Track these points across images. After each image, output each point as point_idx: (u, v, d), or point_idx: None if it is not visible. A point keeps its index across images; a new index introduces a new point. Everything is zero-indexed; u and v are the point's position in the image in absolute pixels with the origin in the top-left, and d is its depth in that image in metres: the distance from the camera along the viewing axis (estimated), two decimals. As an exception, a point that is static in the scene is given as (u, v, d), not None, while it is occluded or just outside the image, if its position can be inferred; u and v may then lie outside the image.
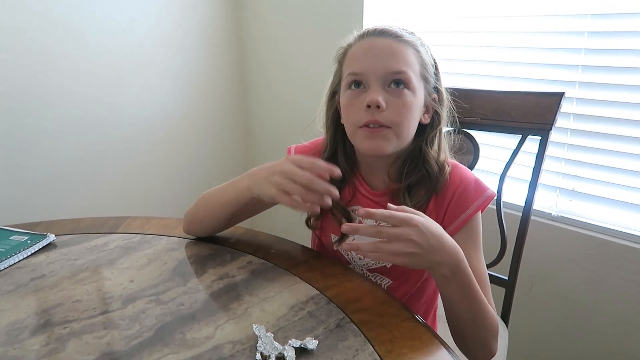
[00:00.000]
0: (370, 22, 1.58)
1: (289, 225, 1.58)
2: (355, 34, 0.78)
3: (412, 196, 0.77)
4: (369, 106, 0.71)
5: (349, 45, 0.78)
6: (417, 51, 0.75)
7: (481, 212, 0.77)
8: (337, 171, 0.68)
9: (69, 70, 1.54)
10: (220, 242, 0.85)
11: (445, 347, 0.59)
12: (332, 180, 0.83)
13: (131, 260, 0.79)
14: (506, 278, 1.03)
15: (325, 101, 0.84)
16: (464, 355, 0.72)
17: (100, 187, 1.69)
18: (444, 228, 0.76)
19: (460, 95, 1.03)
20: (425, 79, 0.76)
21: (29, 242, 0.83)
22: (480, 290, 0.66)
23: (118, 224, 0.92)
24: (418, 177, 0.77)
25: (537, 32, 1.27)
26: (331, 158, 0.83)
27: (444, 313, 0.70)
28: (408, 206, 0.74)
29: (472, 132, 1.05)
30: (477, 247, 0.76)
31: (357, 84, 0.74)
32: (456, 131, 0.88)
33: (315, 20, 1.74)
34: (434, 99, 0.79)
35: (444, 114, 0.80)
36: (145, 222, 0.93)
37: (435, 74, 0.79)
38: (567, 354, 1.34)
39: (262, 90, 2.03)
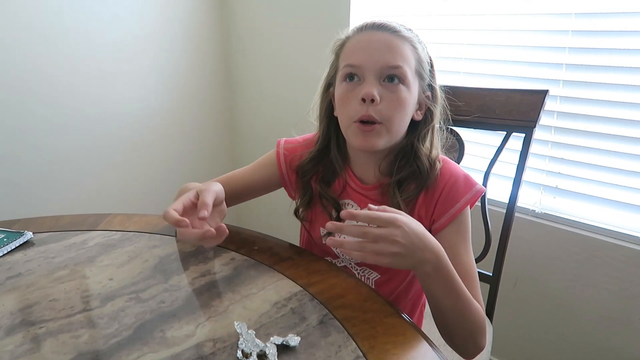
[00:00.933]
0: (356, 16, 1.58)
1: (276, 221, 1.57)
2: (354, 26, 0.78)
3: (402, 191, 0.77)
4: (363, 100, 0.71)
5: (347, 38, 0.78)
6: (414, 47, 0.75)
7: (470, 207, 0.77)
8: (201, 213, 0.65)
9: (49, 66, 1.50)
10: (203, 239, 0.84)
11: (429, 343, 0.59)
12: (325, 173, 0.83)
13: (111, 257, 0.77)
14: (491, 274, 1.03)
15: (320, 93, 0.84)
16: (448, 351, 0.72)
17: (81, 185, 1.66)
18: (433, 222, 0.76)
19: (446, 92, 1.03)
20: (420, 76, 0.77)
21: (5, 240, 0.81)
22: (464, 287, 0.66)
23: (98, 221, 0.90)
24: (409, 172, 0.77)
25: (522, 30, 1.28)
26: (324, 150, 0.83)
27: (430, 311, 0.70)
28: (398, 200, 0.75)
29: (458, 129, 1.05)
30: (466, 241, 0.76)
31: (353, 76, 0.74)
32: (446, 129, 0.88)
33: (302, 14, 1.73)
34: (427, 97, 0.79)
35: (438, 111, 0.80)
36: (126, 219, 0.91)
37: (430, 71, 0.79)
38: (550, 349, 1.36)
39: (248, 85, 2.02)
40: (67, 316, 0.62)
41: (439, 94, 0.80)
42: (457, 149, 1.03)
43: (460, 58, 1.40)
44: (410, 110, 0.76)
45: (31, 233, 0.83)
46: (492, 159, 1.03)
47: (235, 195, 0.87)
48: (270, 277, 0.72)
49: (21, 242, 0.81)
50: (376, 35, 0.74)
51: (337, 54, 0.79)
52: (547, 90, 0.95)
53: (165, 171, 1.91)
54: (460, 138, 1.04)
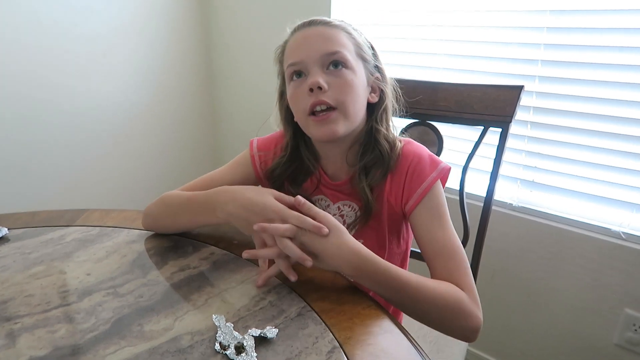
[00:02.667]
0: (337, 9, 1.59)
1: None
2: (288, 30, 0.81)
3: (368, 178, 0.79)
4: (311, 90, 0.73)
5: (285, 42, 0.81)
6: (349, 33, 0.78)
7: (443, 185, 0.79)
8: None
9: (21, 59, 1.47)
10: (182, 234, 0.84)
11: (405, 334, 0.60)
12: (297, 172, 0.84)
13: (89, 253, 0.76)
14: (468, 266, 1.05)
15: (277, 103, 0.86)
16: (427, 342, 0.73)
17: (58, 180, 1.64)
18: (404, 203, 0.78)
19: (425, 88, 1.04)
20: (363, 59, 0.78)
21: (-21, 236, 0.79)
22: (405, 280, 0.65)
23: (76, 216, 0.89)
24: (372, 157, 0.79)
25: (498, 27, 1.30)
26: (293, 153, 0.84)
27: None
28: (363, 185, 0.77)
29: (436, 124, 1.06)
30: (440, 218, 0.75)
31: (298, 73, 0.76)
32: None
33: (283, 7, 1.72)
34: (377, 78, 0.81)
35: (389, 90, 0.82)
36: (104, 214, 0.91)
37: (373, 54, 0.81)
38: (525, 338, 1.39)
39: (229, 78, 2.00)
40: (43, 311, 0.61)
41: (386, 73, 0.82)
42: (432, 142, 1.05)
43: (438, 54, 1.42)
44: (361, 92, 0.77)
45: (6, 229, 0.82)
46: (470, 154, 1.05)
47: None
48: (249, 271, 0.72)
49: (-4, 238, 0.80)
50: (309, 31, 0.77)
51: (280, 61, 0.82)
52: (523, 85, 0.97)
53: (145, 166, 1.89)
54: (439, 133, 1.06)
